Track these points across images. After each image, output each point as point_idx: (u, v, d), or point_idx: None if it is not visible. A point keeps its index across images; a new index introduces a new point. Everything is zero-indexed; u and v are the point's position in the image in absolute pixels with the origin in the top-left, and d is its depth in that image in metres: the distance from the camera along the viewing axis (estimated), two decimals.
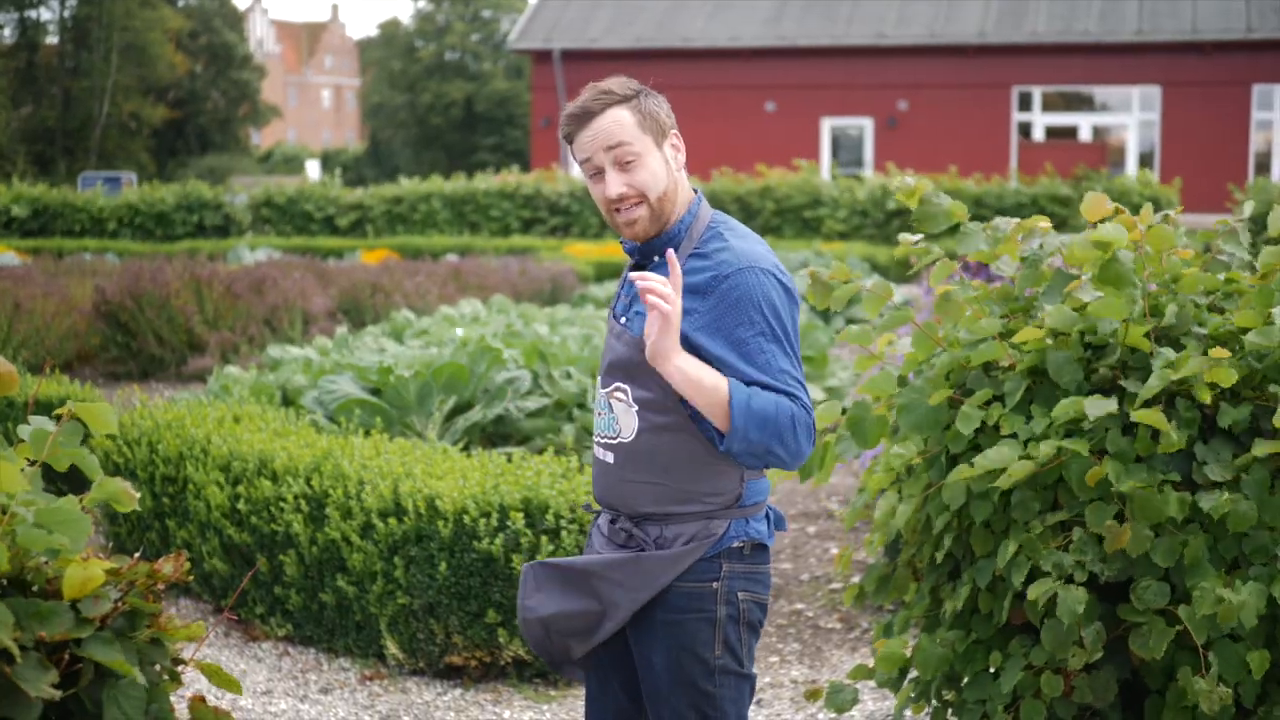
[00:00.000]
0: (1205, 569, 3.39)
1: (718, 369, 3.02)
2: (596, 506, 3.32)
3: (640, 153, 3.07)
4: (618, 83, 3.13)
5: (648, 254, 3.18)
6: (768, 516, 3.23)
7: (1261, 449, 3.37)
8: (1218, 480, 3.47)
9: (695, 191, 3.23)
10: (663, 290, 2.89)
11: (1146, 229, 3.80)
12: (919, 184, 4.02)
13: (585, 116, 3.08)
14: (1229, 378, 3.40)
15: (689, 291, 3.06)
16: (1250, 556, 3.40)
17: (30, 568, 2.42)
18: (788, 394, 2.99)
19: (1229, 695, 3.29)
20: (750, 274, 3.04)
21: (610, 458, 3.18)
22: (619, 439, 3.15)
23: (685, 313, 3.04)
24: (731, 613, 3.13)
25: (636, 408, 3.11)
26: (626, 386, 3.13)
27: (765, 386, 3.00)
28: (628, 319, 3.18)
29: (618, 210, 3.10)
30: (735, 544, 3.13)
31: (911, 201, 4.02)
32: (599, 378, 3.23)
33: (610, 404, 3.17)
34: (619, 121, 3.07)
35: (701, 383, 2.94)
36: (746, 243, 3.11)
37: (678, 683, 3.13)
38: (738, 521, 3.14)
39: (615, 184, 3.08)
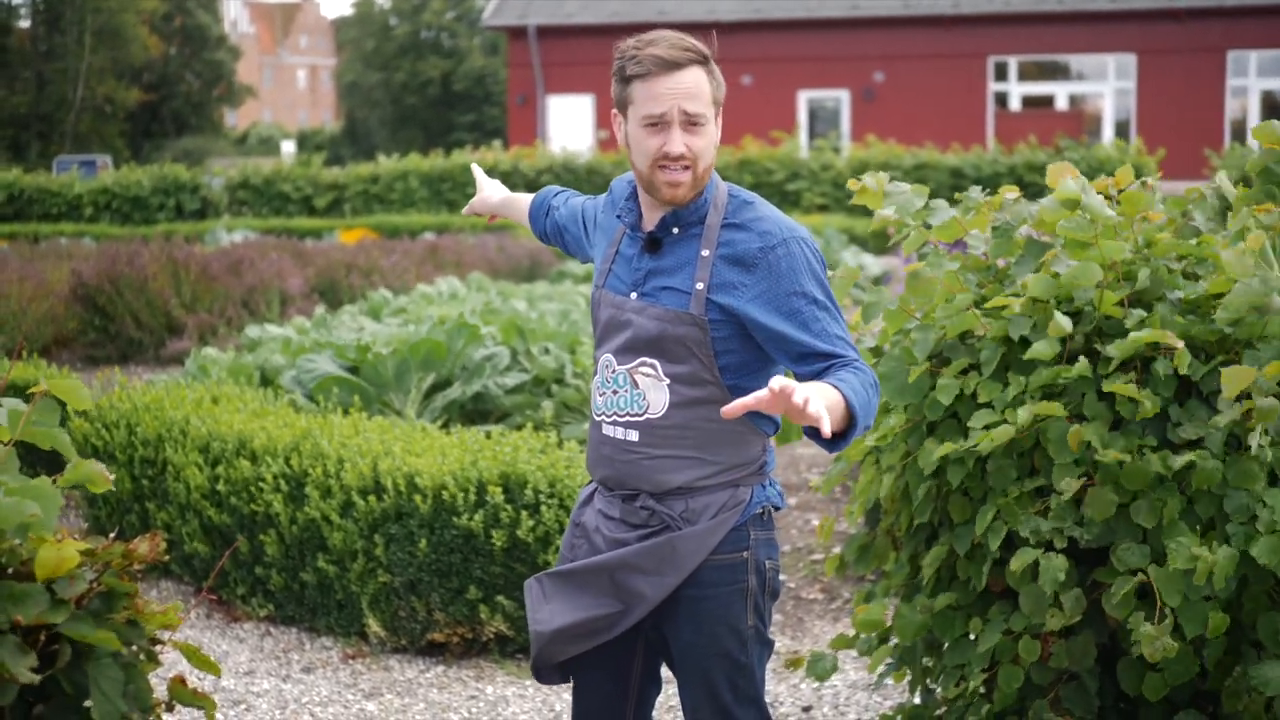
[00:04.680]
0: (1180, 529, 3.40)
1: (772, 341, 3.01)
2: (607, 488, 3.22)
3: (709, 119, 3.03)
4: (696, 39, 3.04)
5: (667, 225, 3.10)
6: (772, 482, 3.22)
7: (1229, 413, 3.38)
8: (1191, 440, 3.48)
9: None
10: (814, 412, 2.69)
11: (1119, 192, 3.81)
12: (879, 180, 4.01)
13: (672, 67, 2.98)
14: (1184, 361, 3.42)
15: (732, 263, 3.03)
16: (1232, 516, 3.42)
17: (4, 549, 2.41)
18: (843, 357, 2.97)
19: (1174, 649, 3.30)
20: (794, 243, 3.02)
21: (634, 435, 3.10)
22: (645, 415, 3.08)
23: (730, 286, 3.01)
24: (760, 582, 3.12)
25: (668, 382, 3.06)
26: (655, 361, 3.07)
27: (825, 355, 2.97)
28: (645, 293, 3.11)
29: (664, 168, 3.02)
30: (758, 510, 3.12)
31: (872, 202, 4.02)
32: (609, 355, 3.14)
33: (634, 380, 3.09)
34: (700, 83, 3.00)
35: (829, 400, 2.81)
36: (776, 211, 3.10)
37: (713, 656, 3.11)
38: (758, 487, 3.13)
39: (679, 143, 3.00)
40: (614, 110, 3.13)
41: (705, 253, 3.05)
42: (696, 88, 2.99)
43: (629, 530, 3.14)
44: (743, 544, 3.10)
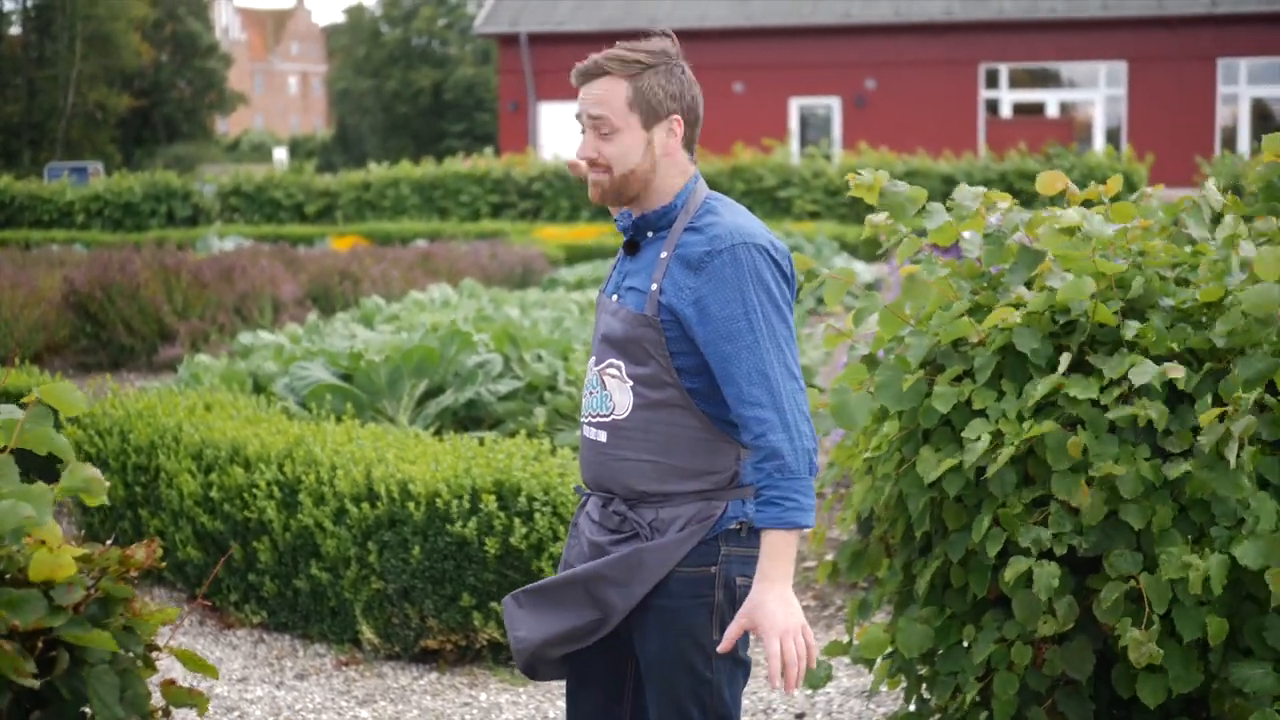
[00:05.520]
0: (1172, 537, 3.41)
1: (704, 363, 3.01)
2: (586, 489, 3.24)
3: (619, 129, 3.03)
4: (638, 49, 3.07)
5: (641, 229, 3.13)
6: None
7: (1211, 434, 3.39)
8: (1178, 450, 3.50)
9: (694, 170, 3.18)
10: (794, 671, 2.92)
11: (1111, 201, 3.83)
12: (877, 178, 4.02)
13: (589, 75, 3.06)
14: (1183, 381, 3.44)
15: (683, 265, 3.02)
16: (1219, 521, 3.43)
17: (1, 555, 2.42)
18: (751, 434, 2.97)
19: (1159, 655, 3.32)
20: (742, 250, 2.98)
21: (603, 436, 3.10)
22: (612, 416, 3.08)
23: (678, 288, 3.00)
24: (729, 597, 3.05)
25: (631, 383, 3.05)
26: (620, 362, 3.07)
27: (742, 416, 2.96)
28: (620, 295, 3.12)
29: (590, 168, 3.10)
30: (733, 525, 3.06)
31: (869, 196, 4.03)
32: (592, 356, 3.17)
33: (603, 380, 3.10)
34: (610, 93, 3.03)
35: (788, 560, 2.96)
36: (739, 217, 3.06)
37: (676, 669, 3.07)
38: (735, 502, 3.06)
39: (586, 147, 3.08)
40: None
41: (664, 255, 3.06)
42: (602, 96, 3.05)
43: (605, 534, 3.14)
44: (712, 559, 3.05)
